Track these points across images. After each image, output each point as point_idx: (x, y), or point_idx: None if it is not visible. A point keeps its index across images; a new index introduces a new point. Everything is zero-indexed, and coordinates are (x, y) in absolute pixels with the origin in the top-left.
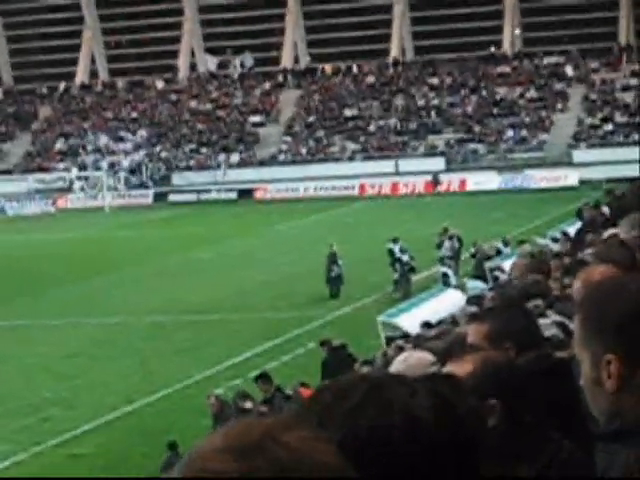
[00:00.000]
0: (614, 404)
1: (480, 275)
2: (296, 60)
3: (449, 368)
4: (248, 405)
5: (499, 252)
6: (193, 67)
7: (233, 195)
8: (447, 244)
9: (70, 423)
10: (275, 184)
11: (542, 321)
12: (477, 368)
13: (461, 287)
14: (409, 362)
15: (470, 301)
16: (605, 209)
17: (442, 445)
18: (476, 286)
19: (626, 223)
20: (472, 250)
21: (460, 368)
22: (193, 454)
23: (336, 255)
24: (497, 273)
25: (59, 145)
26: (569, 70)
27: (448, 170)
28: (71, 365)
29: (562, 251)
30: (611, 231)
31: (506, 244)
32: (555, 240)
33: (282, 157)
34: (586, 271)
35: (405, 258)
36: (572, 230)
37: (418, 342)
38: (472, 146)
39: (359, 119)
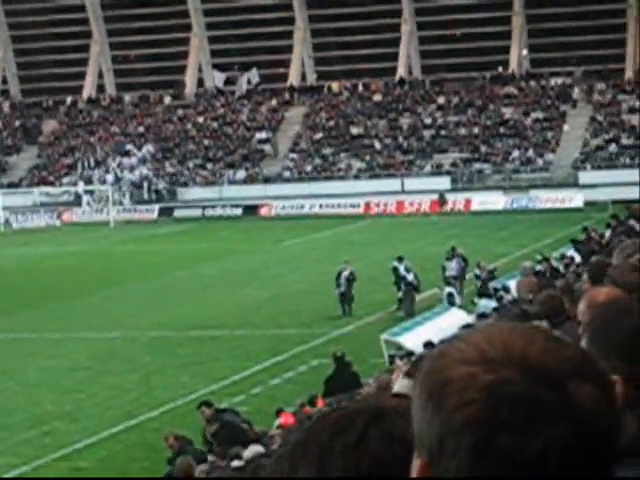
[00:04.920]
0: None
1: (487, 294)
2: (303, 77)
3: None
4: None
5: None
6: (200, 83)
7: (238, 211)
8: (453, 264)
9: (72, 437)
10: (280, 201)
11: None
12: None
13: (465, 307)
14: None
15: (479, 318)
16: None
17: None
18: (487, 305)
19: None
20: (476, 271)
21: None
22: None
23: (340, 274)
24: (502, 293)
25: (65, 159)
26: (576, 91)
27: (453, 189)
28: (74, 379)
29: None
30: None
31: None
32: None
33: (288, 174)
34: (591, 292)
35: (410, 277)
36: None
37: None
38: (478, 166)
39: (365, 137)
